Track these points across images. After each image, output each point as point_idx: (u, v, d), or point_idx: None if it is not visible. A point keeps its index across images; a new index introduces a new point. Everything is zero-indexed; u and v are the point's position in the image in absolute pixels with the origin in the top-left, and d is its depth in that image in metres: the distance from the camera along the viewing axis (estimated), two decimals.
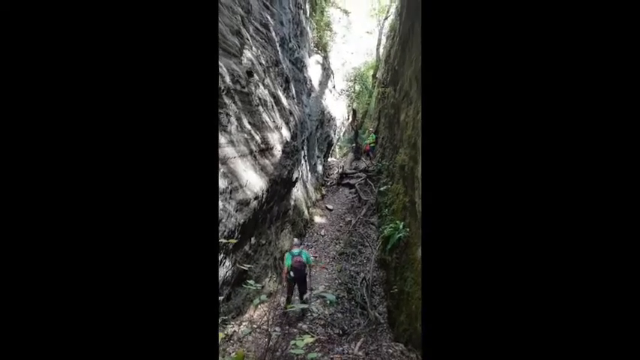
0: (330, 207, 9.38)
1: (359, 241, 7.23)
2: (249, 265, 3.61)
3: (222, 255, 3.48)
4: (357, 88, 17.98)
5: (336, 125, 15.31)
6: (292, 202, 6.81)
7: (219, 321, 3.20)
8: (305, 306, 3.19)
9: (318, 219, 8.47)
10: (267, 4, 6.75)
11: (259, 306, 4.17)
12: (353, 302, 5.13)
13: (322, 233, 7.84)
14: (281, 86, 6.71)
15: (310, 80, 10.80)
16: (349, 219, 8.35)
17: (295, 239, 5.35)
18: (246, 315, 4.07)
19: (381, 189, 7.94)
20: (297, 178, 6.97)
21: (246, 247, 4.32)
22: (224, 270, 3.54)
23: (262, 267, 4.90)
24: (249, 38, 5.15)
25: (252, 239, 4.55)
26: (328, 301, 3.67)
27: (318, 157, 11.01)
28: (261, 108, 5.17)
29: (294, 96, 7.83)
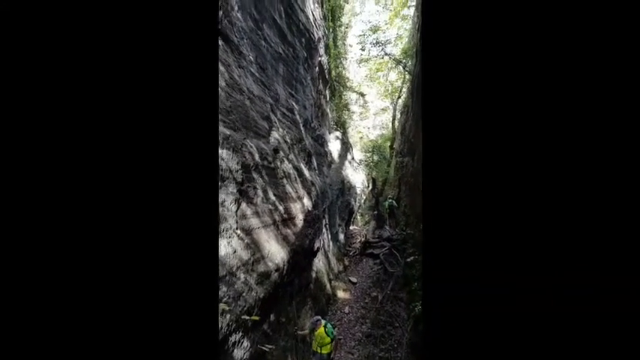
0: (354, 280, 8.85)
1: (387, 320, 6.56)
2: (270, 346, 3.33)
3: (240, 334, 3.28)
4: (376, 158, 18.77)
5: (356, 193, 15.56)
6: (314, 275, 6.55)
7: None
8: None
9: (341, 294, 7.93)
10: (292, 92, 7.79)
11: None
12: None
13: (346, 311, 7.24)
14: (304, 160, 7.20)
15: (330, 153, 11.52)
16: (375, 294, 7.75)
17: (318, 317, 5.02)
18: None
19: (408, 260, 7.53)
20: (318, 247, 6.85)
21: (265, 326, 4.06)
22: (242, 351, 3.29)
23: (282, 349, 4.48)
24: (277, 121, 5.82)
25: (272, 316, 4.30)
26: None
27: (339, 225, 10.94)
28: (285, 180, 5.49)
29: (316, 168, 8.30)
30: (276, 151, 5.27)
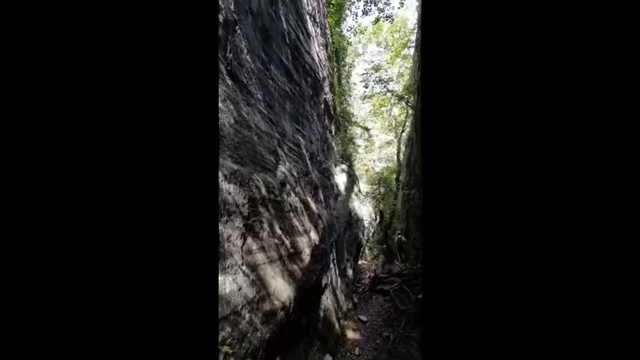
0: (364, 318, 8.38)
1: None
2: None
3: None
4: (382, 190, 18.72)
5: (364, 226, 15.30)
6: (322, 313, 6.24)
7: None
8: None
9: (350, 334, 7.47)
10: (299, 128, 8.05)
11: None
12: None
13: (357, 352, 6.76)
14: (310, 193, 7.23)
15: (337, 186, 11.56)
16: (387, 334, 7.28)
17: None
18: None
19: (420, 296, 7.15)
20: (326, 284, 6.60)
21: None
22: None
23: None
24: (284, 155, 5.95)
25: (278, 359, 4.03)
26: None
27: (347, 259, 10.62)
28: (291, 214, 5.46)
29: (322, 201, 8.28)
30: (282, 184, 5.33)
